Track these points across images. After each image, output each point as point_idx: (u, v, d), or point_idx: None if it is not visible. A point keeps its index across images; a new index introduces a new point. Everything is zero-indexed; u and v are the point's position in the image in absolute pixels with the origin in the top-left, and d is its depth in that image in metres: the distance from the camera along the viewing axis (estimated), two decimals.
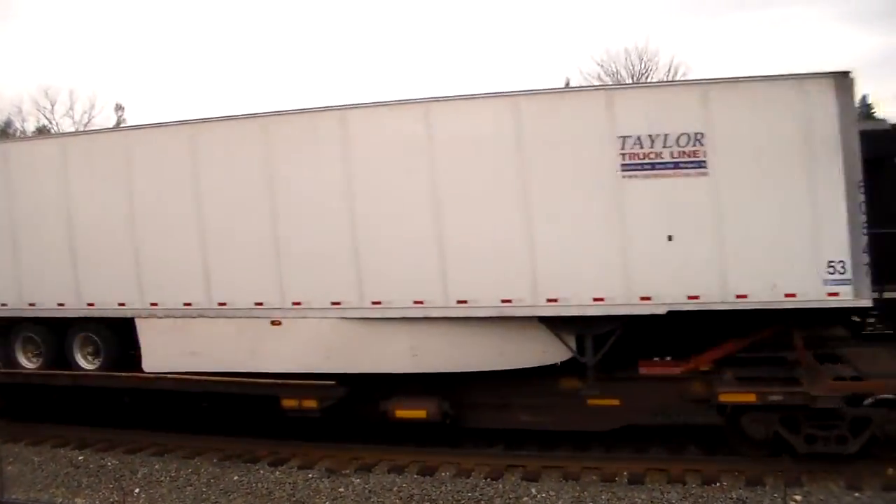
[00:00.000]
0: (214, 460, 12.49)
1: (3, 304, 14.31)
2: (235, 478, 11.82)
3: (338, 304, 12.04)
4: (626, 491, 10.58)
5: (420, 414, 12.18)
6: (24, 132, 55.99)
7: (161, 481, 11.88)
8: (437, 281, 11.50)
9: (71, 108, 61.80)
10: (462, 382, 12.09)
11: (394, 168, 11.59)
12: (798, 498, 10.13)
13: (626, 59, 49.49)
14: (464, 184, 11.29)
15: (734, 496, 10.24)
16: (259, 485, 11.54)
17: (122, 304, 13.37)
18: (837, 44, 69.64)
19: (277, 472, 11.91)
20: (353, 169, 11.76)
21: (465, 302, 11.46)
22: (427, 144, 11.41)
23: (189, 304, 12.94)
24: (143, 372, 13.36)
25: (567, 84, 48.23)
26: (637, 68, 49.46)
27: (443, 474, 11.48)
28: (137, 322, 13.34)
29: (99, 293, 13.49)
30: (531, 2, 75.96)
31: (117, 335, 13.80)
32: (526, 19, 79.43)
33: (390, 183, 11.63)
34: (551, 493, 10.67)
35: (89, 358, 14.13)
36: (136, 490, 11.63)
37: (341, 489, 11.23)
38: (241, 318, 12.64)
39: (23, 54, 79.83)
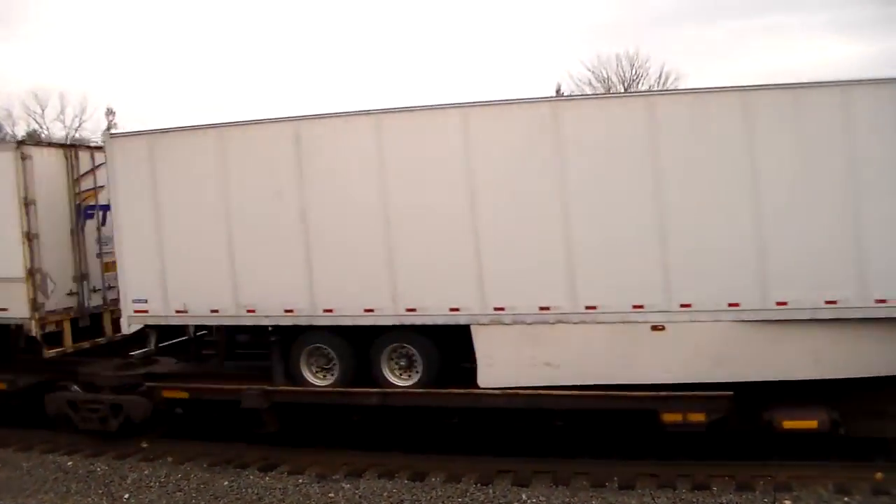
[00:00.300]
0: (204, 465, 12.44)
1: (290, 311, 12.62)
2: (225, 483, 11.79)
3: (735, 305, 11.03)
4: (617, 496, 10.60)
5: (811, 425, 10.97)
6: (13, 136, 55.81)
7: (150, 486, 11.84)
8: (853, 279, 10.67)
9: (62, 113, 61.74)
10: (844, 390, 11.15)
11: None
12: (787, 502, 10.15)
13: (617, 65, 49.77)
14: None
15: (724, 500, 10.25)
16: (249, 490, 11.51)
17: (456, 310, 11.88)
18: (823, 52, 70.09)
19: (267, 478, 11.87)
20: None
21: (883, 301, 10.59)
22: None
23: (546, 309, 11.57)
24: (475, 387, 12.01)
25: (558, 90, 48.41)
26: (628, 74, 49.75)
27: (433, 479, 11.45)
28: (474, 330, 11.92)
29: (421, 297, 11.99)
30: (523, 7, 76.21)
31: (438, 345, 12.46)
32: (517, 24, 79.60)
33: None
34: (542, 498, 10.67)
35: (398, 372, 12.69)
36: (126, 496, 11.59)
37: (331, 494, 11.20)
38: (614, 323, 11.42)
39: (13, 58, 79.63)
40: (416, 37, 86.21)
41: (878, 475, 10.48)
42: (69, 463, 12.87)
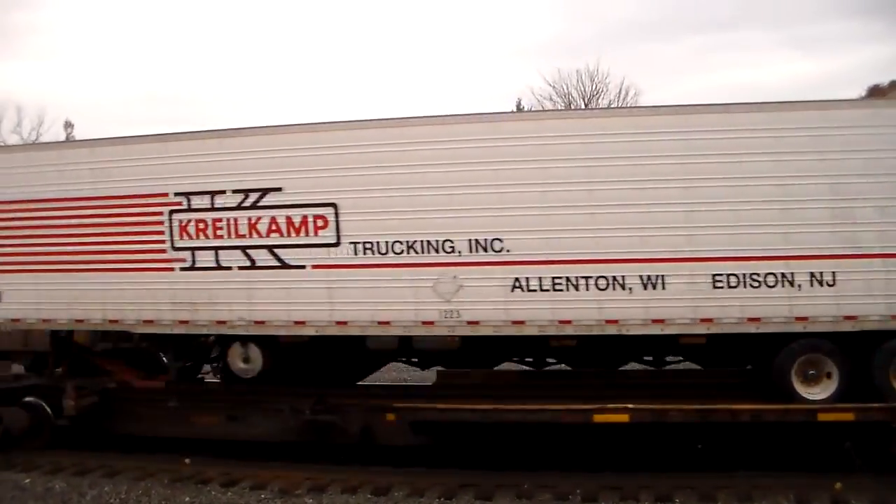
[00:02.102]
0: (165, 481, 12.29)
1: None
2: (187, 499, 11.62)
3: None
4: None
5: None
6: None
7: (110, 503, 11.69)
8: None
9: (18, 125, 61.00)
10: None
11: None
12: None
13: (577, 80, 49.95)
14: None
15: None
16: None
17: None
18: (782, 68, 71.11)
19: (229, 493, 11.72)
20: None
21: None
22: None
23: None
24: None
25: (518, 105, 48.64)
26: (588, 89, 49.95)
27: (396, 494, 11.38)
28: None
29: None
30: (484, 22, 76.51)
31: None
32: (476, 39, 79.85)
33: None
34: None
35: None
36: None
37: None
38: None
39: None
40: (380, 50, 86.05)
41: (838, 485, 10.58)
42: (26, 481, 12.63)
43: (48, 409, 13.84)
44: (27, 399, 13.91)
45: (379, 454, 12.69)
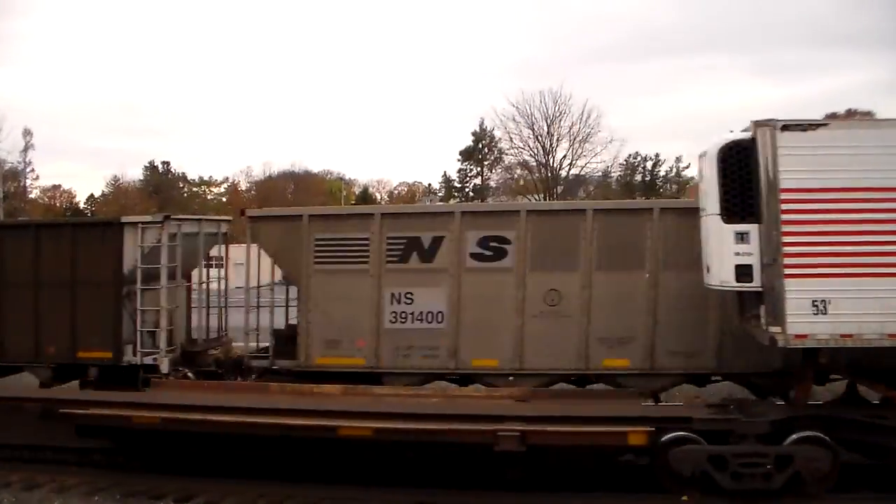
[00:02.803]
0: (117, 496, 12.09)
1: None
2: None
3: None
4: None
5: None
6: None
7: None
8: None
9: None
10: None
11: None
12: None
13: (540, 101, 50.37)
14: None
15: None
16: None
17: None
18: (750, 93, 72.19)
19: None
20: None
21: None
22: None
23: None
24: None
25: (481, 125, 48.90)
26: (551, 111, 50.38)
27: None
28: None
29: None
30: (443, 42, 76.84)
31: None
32: (438, 60, 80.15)
33: None
34: None
35: None
36: None
37: None
38: None
39: None
40: (349, 68, 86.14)
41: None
42: None
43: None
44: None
45: None
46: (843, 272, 11.38)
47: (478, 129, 53.85)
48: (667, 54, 75.84)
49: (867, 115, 59.69)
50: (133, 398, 13.95)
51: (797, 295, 11.27)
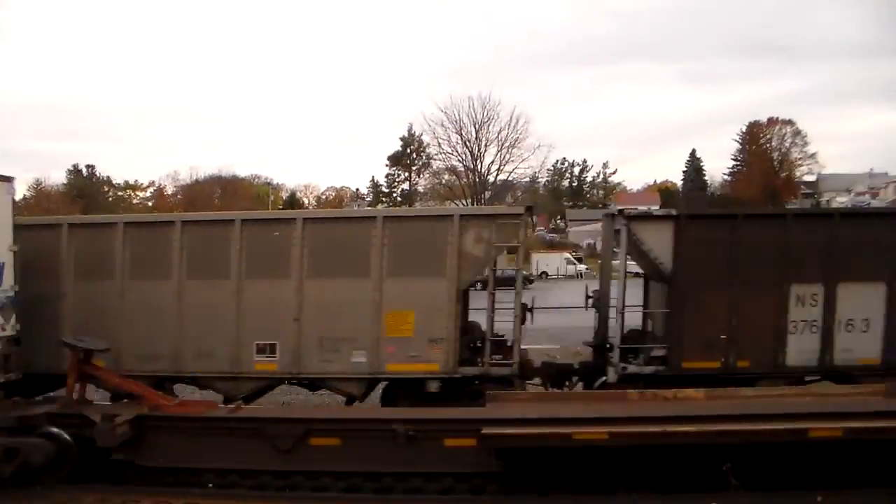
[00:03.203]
0: None
1: None
2: None
3: None
4: None
5: None
6: None
7: None
8: None
9: None
10: None
11: None
12: None
13: (469, 106, 50.55)
14: None
15: None
16: None
17: None
18: (674, 101, 73.58)
19: None
20: None
21: None
22: None
23: None
24: None
25: (409, 130, 48.98)
26: (480, 116, 50.58)
27: None
28: None
29: None
30: (373, 49, 76.68)
31: None
32: (367, 66, 79.98)
33: None
34: None
35: None
36: None
37: None
38: None
39: None
40: (278, 73, 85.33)
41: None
42: None
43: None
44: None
45: None
46: None
47: (406, 135, 53.79)
48: (597, 62, 76.74)
49: (787, 124, 61.48)
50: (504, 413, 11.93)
51: None
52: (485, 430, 11.02)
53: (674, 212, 15.17)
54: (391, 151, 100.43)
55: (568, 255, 79.00)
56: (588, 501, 11.33)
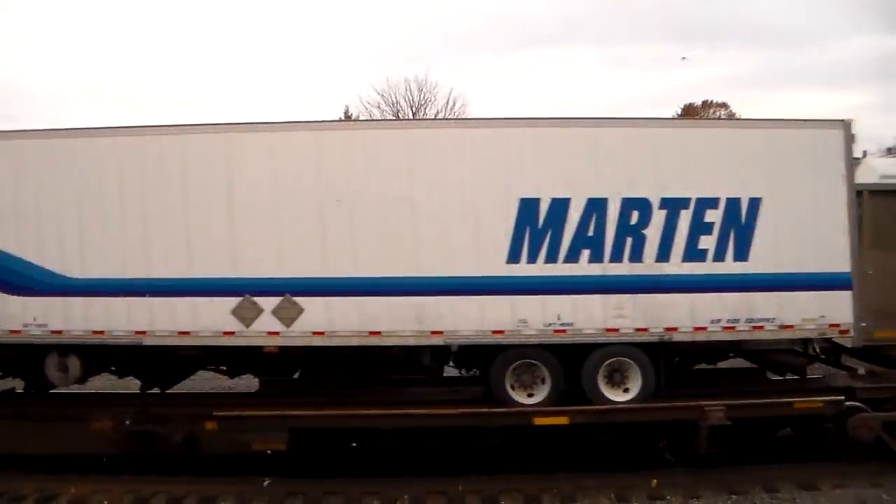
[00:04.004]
0: None
1: None
2: None
3: None
4: None
5: None
6: None
7: None
8: None
9: None
10: None
11: None
12: None
13: (406, 89, 50.22)
14: None
15: None
16: None
17: None
18: (603, 85, 74.39)
19: None
20: None
21: None
22: None
23: None
24: None
25: (346, 112, 48.66)
26: (416, 99, 50.30)
27: None
28: None
29: None
30: (308, 29, 75.97)
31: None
32: (302, 45, 79.15)
33: None
34: None
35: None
36: None
37: None
38: None
39: None
40: (214, 53, 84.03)
41: (654, 482, 11.05)
42: None
43: None
44: None
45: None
46: None
47: (342, 117, 53.81)
48: (531, 46, 77.09)
49: (721, 107, 62.40)
50: None
51: None
52: None
53: None
54: None
55: None
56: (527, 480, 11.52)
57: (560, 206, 11.38)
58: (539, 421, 11.42)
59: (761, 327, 11.47)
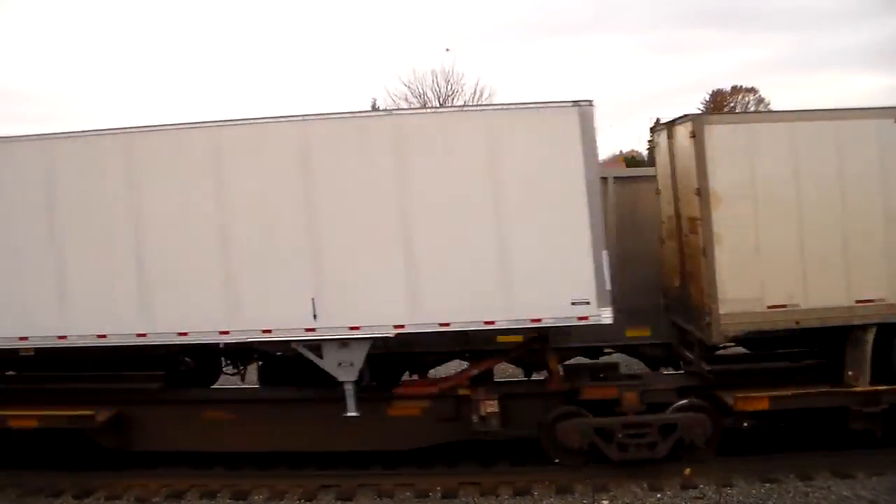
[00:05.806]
0: (13, 497, 11.72)
1: None
2: None
3: None
4: None
5: None
6: None
7: None
8: None
9: None
10: None
11: None
12: (605, 502, 10.54)
13: (433, 80, 50.02)
14: None
15: None
16: None
17: None
18: (644, 71, 73.91)
19: None
20: None
21: None
22: None
23: None
24: None
25: (374, 105, 48.60)
26: (444, 90, 50.08)
27: (256, 498, 11.19)
28: None
29: None
30: (335, 20, 75.98)
31: None
32: (331, 38, 79.22)
33: None
34: None
35: None
36: None
37: None
38: None
39: None
40: (240, 46, 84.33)
41: (687, 471, 10.99)
42: None
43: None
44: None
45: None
46: None
47: (370, 110, 54.21)
48: (563, 34, 76.75)
49: (750, 92, 61.85)
50: None
51: None
52: None
53: None
54: None
55: None
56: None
57: None
58: None
59: None
